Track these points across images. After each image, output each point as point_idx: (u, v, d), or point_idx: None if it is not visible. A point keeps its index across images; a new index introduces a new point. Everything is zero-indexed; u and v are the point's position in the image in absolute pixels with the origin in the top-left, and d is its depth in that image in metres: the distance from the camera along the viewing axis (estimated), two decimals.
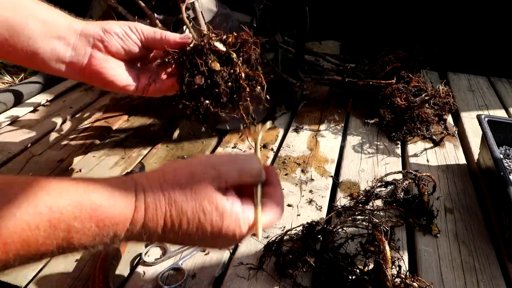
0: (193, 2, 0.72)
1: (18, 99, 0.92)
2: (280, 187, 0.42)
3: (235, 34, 0.55)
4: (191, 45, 0.59)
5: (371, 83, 0.92)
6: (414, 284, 0.46)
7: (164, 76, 0.67)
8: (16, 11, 0.53)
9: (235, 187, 0.38)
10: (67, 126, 0.86)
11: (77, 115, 0.91)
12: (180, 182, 0.36)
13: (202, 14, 0.72)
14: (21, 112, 0.89)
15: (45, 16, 0.55)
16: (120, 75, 0.61)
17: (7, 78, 1.14)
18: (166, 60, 0.58)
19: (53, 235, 0.30)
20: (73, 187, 0.32)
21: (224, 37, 0.56)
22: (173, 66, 0.60)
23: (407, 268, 0.55)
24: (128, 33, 0.60)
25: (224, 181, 0.37)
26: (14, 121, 0.86)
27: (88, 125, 0.87)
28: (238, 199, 0.38)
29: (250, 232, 0.38)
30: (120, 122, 0.89)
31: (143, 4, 0.71)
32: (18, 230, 0.29)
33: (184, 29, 0.75)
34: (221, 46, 0.55)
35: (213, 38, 0.55)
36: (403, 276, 0.47)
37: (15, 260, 0.30)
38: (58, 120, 0.88)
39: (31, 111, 0.91)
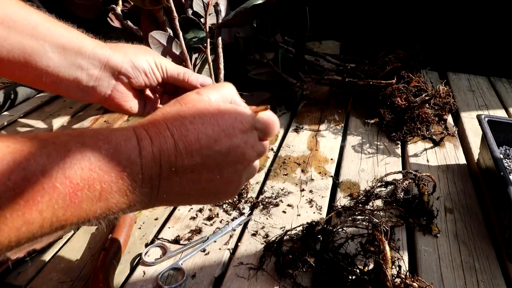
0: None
1: (17, 99, 0.92)
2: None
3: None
4: None
5: (371, 83, 0.92)
6: (414, 284, 0.46)
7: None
8: (33, 38, 0.49)
9: None
10: (67, 126, 0.87)
11: (77, 115, 0.91)
12: (171, 104, 0.39)
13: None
14: (21, 112, 0.89)
15: (64, 42, 0.52)
16: (135, 105, 0.62)
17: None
18: None
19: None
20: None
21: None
22: None
23: (407, 268, 0.55)
24: (154, 71, 0.60)
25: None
26: (13, 122, 0.87)
27: (88, 125, 0.87)
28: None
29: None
30: (120, 122, 0.89)
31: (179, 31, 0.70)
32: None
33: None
34: None
35: None
36: (403, 276, 0.47)
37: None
38: (58, 120, 0.88)
39: (31, 111, 0.91)
